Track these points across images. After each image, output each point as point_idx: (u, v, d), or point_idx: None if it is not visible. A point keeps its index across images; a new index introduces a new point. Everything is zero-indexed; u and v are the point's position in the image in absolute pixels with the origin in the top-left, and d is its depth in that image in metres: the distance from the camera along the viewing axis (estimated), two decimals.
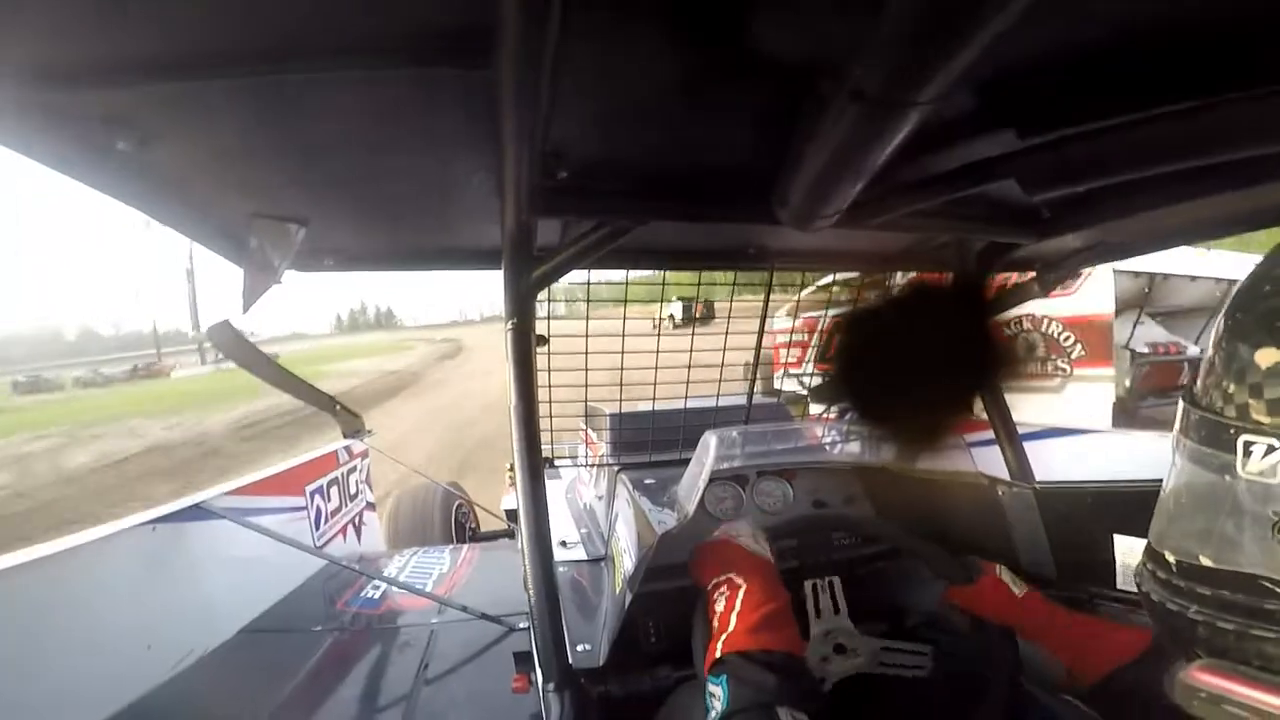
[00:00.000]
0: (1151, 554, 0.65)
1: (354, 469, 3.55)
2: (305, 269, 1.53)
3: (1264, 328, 0.54)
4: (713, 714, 1.00)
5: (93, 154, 0.86)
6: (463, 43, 0.66)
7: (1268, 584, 0.53)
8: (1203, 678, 0.57)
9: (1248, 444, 0.54)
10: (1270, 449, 0.52)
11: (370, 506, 3.76)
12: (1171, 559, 0.61)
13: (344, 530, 3.38)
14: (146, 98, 0.77)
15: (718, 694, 1.01)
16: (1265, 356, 0.53)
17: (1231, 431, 0.55)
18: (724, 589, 1.17)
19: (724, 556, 1.26)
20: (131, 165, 0.92)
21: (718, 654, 1.06)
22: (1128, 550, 1.37)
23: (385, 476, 5.01)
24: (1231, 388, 0.56)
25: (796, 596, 1.33)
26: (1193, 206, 1.06)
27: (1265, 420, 0.53)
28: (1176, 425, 0.62)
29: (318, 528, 3.10)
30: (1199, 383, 0.61)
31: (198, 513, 2.31)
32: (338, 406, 3.46)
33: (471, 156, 0.99)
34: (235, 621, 2.40)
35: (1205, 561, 0.57)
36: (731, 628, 1.09)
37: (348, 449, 3.51)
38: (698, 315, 2.30)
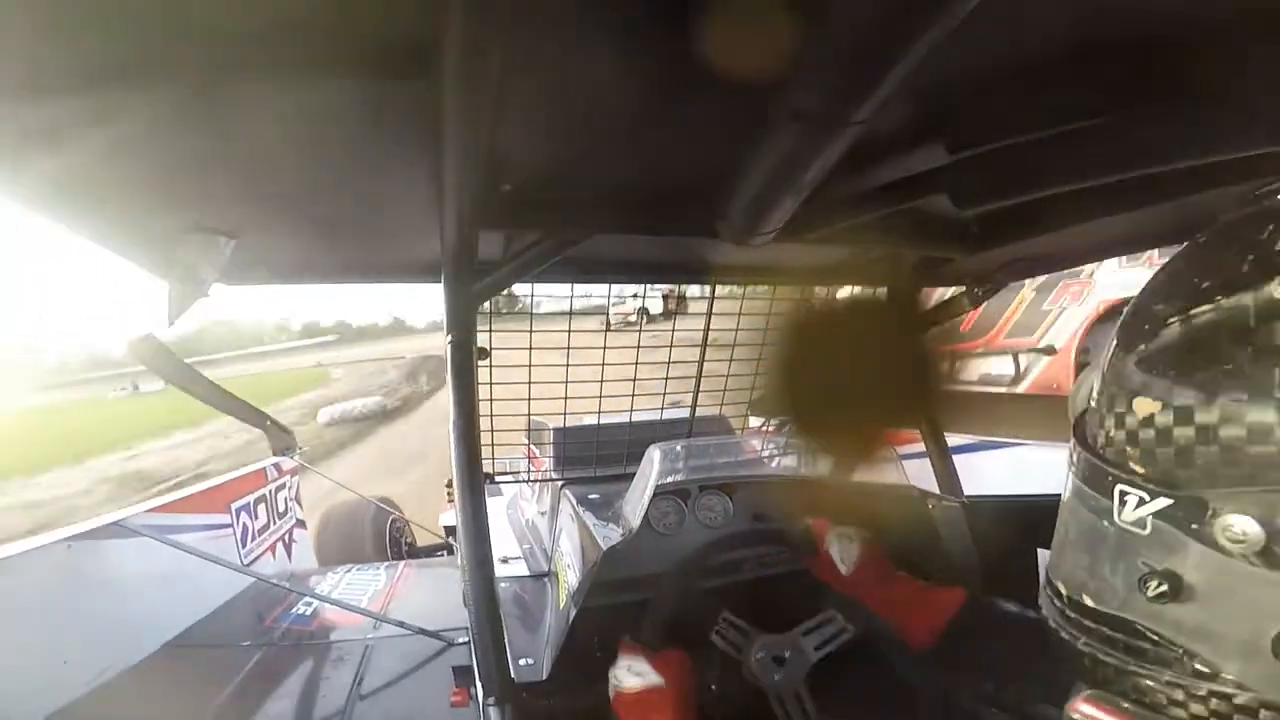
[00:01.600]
0: (1048, 580, 0.65)
1: (283, 486, 3.45)
2: (235, 281, 1.48)
3: (1141, 375, 0.52)
4: None
5: (8, 168, 0.82)
6: (405, 54, 0.65)
7: (1140, 628, 0.53)
8: (1084, 708, 0.57)
9: (1123, 493, 0.52)
10: (1142, 501, 0.51)
11: (300, 524, 3.64)
12: (1063, 590, 0.61)
13: (273, 548, 3.27)
14: (70, 108, 0.73)
15: None
16: (1142, 406, 0.52)
17: (1109, 478, 0.54)
18: None
19: (617, 706, 1.30)
20: (51, 180, 0.87)
21: None
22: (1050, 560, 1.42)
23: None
24: (1111, 431, 0.55)
25: (706, 642, 1.37)
26: (1118, 220, 1.11)
27: (1139, 470, 0.52)
28: (1067, 457, 0.61)
29: (244, 545, 3.00)
30: (1086, 419, 0.60)
31: (116, 530, 2.22)
32: (268, 422, 3.36)
33: (412, 168, 0.97)
34: (157, 637, 2.31)
35: (1087, 600, 0.57)
36: None
37: (277, 466, 3.40)
38: (674, 310, 2.30)
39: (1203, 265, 0.53)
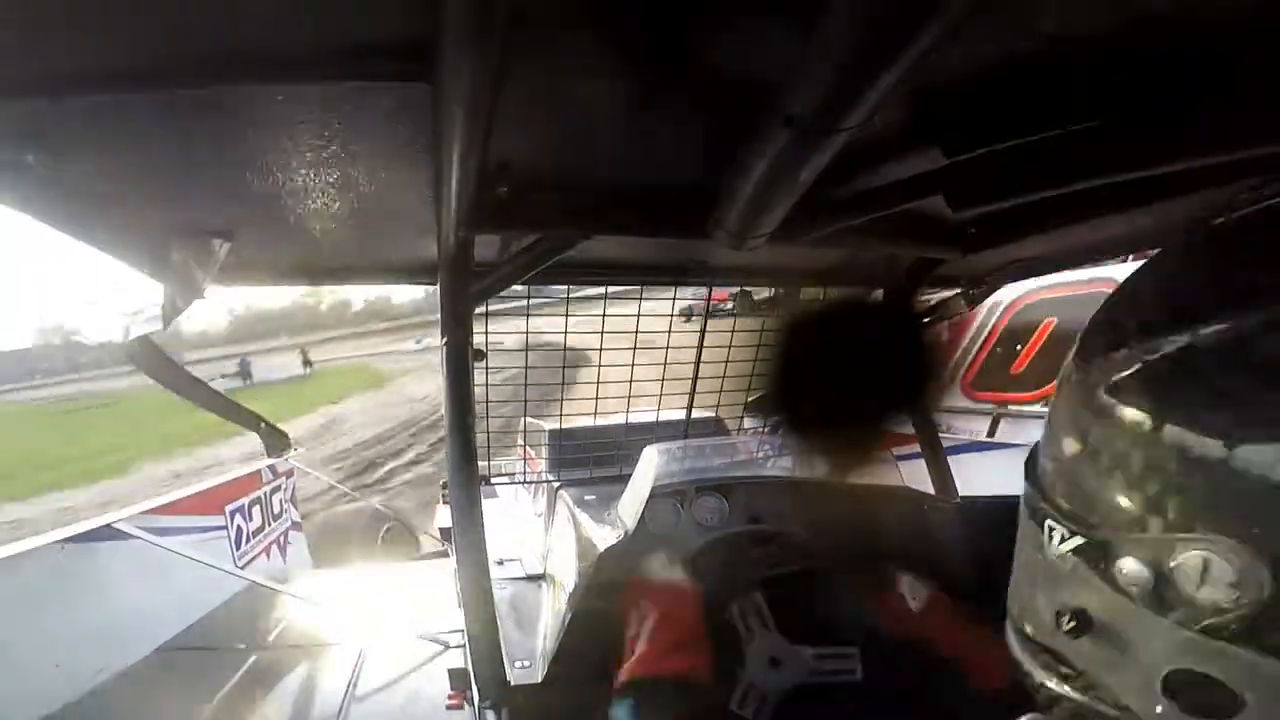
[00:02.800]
0: (1009, 608, 0.65)
1: (279, 488, 3.44)
2: (231, 283, 1.47)
3: (1074, 411, 0.52)
4: None
5: (1, 168, 0.81)
6: (402, 56, 0.65)
7: (1066, 659, 0.54)
8: None
9: (1050, 528, 0.53)
10: (1064, 538, 0.52)
11: (296, 526, 3.64)
12: (1016, 621, 0.61)
13: (268, 550, 3.27)
14: (62, 111, 0.72)
15: (622, 717, 1.04)
16: (1069, 445, 0.52)
17: (1040, 512, 0.55)
18: (635, 616, 1.21)
19: (636, 590, 1.29)
20: (43, 181, 0.87)
21: (622, 678, 1.09)
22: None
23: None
24: (1046, 465, 0.56)
25: (723, 618, 1.35)
26: (1115, 222, 1.12)
27: (1064, 506, 0.52)
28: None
29: (239, 547, 3.00)
30: (1039, 448, 0.60)
31: (109, 533, 2.22)
32: (263, 425, 3.35)
33: (408, 170, 0.97)
34: (151, 640, 2.30)
35: (1028, 629, 0.58)
36: (637, 654, 1.13)
37: (272, 468, 3.40)
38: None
39: (1118, 304, 0.54)
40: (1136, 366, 0.47)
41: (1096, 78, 0.77)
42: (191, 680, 2.15)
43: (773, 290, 1.90)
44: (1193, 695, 0.45)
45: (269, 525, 3.33)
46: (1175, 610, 0.45)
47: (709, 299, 1.97)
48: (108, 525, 2.23)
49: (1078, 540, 0.50)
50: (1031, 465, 0.59)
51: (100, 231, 1.16)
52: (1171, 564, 0.44)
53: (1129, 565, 0.46)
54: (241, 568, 2.94)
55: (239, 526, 3.04)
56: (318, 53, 0.66)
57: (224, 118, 0.78)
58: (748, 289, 2.27)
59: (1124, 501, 0.47)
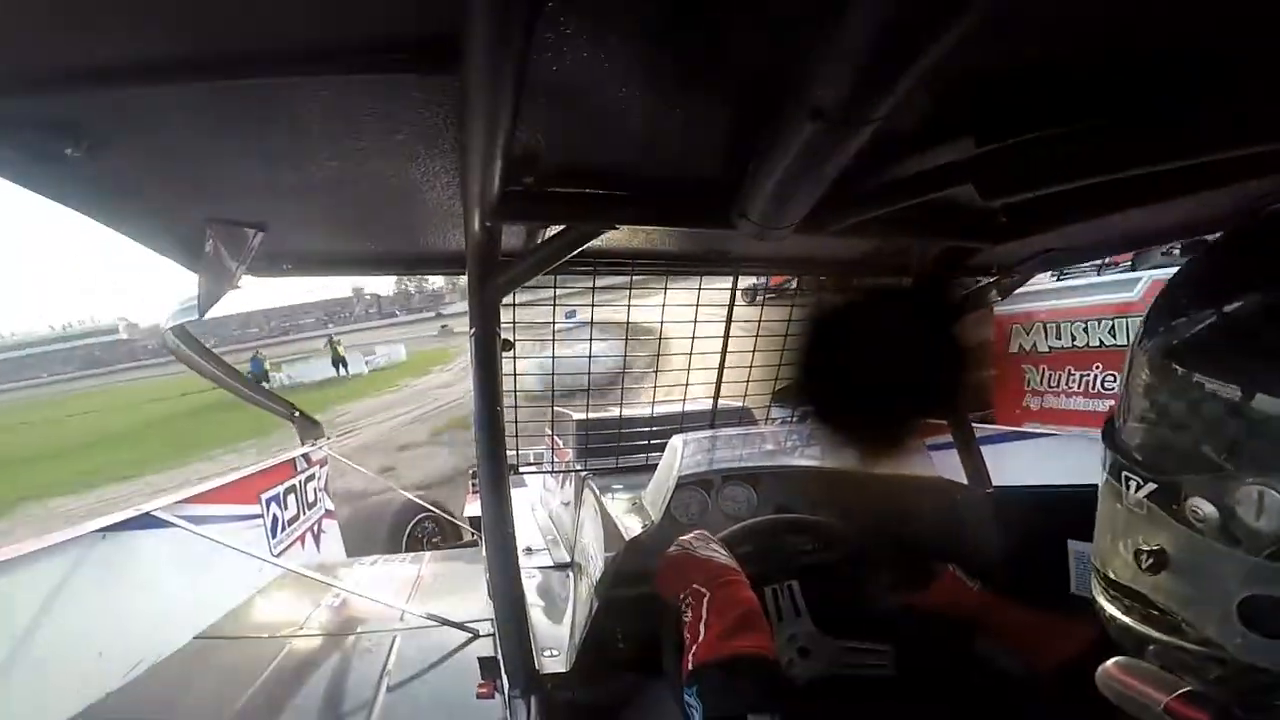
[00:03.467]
0: (1092, 563, 0.71)
1: (312, 476, 3.49)
2: (262, 273, 1.50)
3: (1145, 370, 0.58)
4: None
5: (40, 161, 0.83)
6: (428, 48, 0.66)
7: (1147, 598, 0.60)
8: (1110, 672, 0.63)
9: (1127, 478, 0.60)
10: (1139, 485, 0.58)
11: (330, 514, 3.69)
12: (1099, 567, 0.67)
13: (302, 538, 3.32)
14: (98, 103, 0.74)
15: (694, 705, 1.01)
16: (1139, 406, 0.59)
17: (1119, 465, 0.61)
18: (689, 600, 1.17)
19: (685, 568, 1.26)
20: (81, 172, 0.89)
21: (690, 666, 1.06)
22: (1080, 555, 1.40)
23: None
24: (1124, 424, 0.62)
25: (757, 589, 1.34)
26: (1150, 211, 1.09)
27: (1138, 459, 0.59)
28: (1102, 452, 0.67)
29: (274, 536, 3.05)
30: (1117, 411, 0.65)
31: (148, 520, 2.26)
32: (296, 413, 3.40)
33: (436, 161, 0.98)
34: (188, 629, 2.35)
35: (1112, 574, 0.64)
36: (701, 638, 1.09)
37: (306, 456, 3.45)
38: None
39: (1189, 275, 0.61)
40: (1193, 333, 0.55)
41: (1132, 66, 0.75)
42: (228, 669, 2.20)
43: (797, 279, 1.88)
44: (1268, 621, 0.52)
45: (303, 513, 3.38)
46: (1240, 541, 0.51)
47: (734, 287, 1.95)
48: (147, 513, 2.28)
49: (1151, 486, 0.57)
50: (1110, 429, 0.65)
51: (137, 222, 1.19)
52: (1233, 500, 0.51)
53: (1197, 503, 0.53)
54: (277, 556, 3.00)
55: (274, 515, 3.09)
56: (346, 45, 0.66)
57: (256, 110, 0.79)
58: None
59: (1188, 448, 0.54)
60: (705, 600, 1.14)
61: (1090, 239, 1.46)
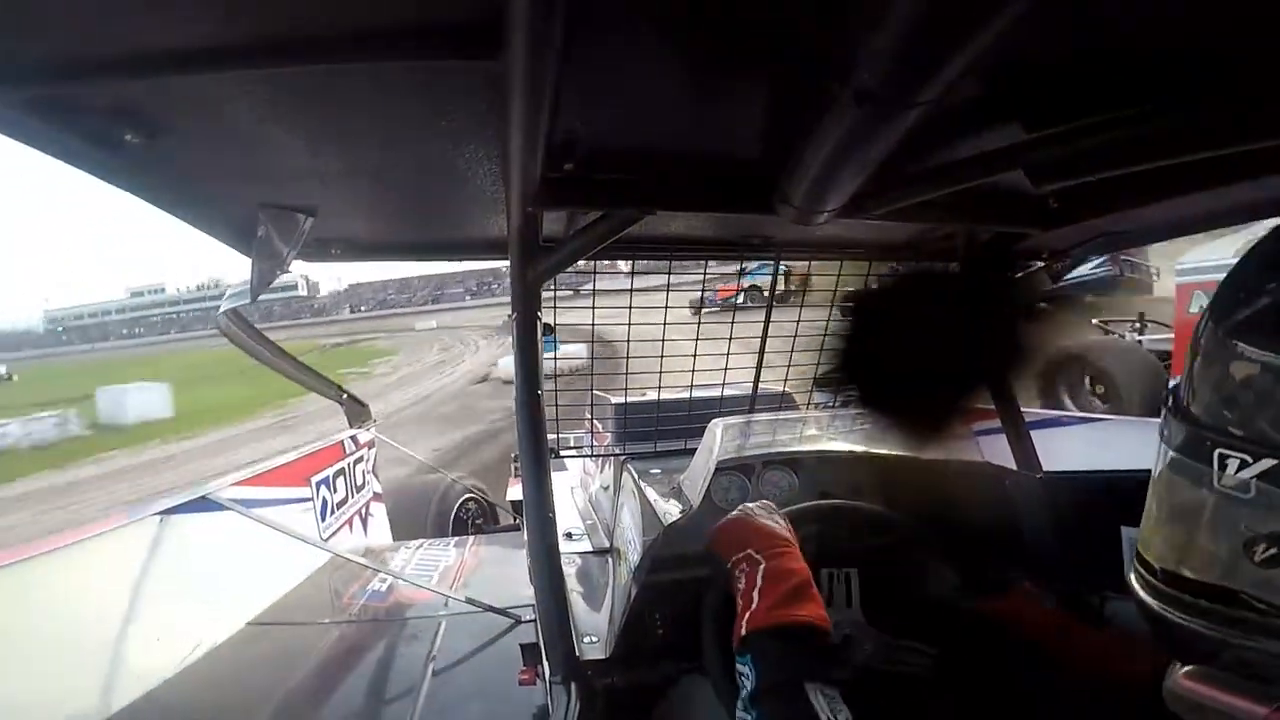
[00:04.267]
0: (1139, 557, 0.64)
1: (360, 459, 3.55)
2: (312, 258, 1.54)
3: (1239, 337, 0.52)
4: (743, 693, 0.99)
5: (101, 147, 0.86)
6: (470, 35, 0.66)
7: (1245, 597, 0.52)
8: (1188, 685, 0.57)
9: (1223, 457, 0.52)
10: (1243, 463, 0.51)
11: (377, 497, 3.76)
12: (1156, 565, 0.60)
13: (350, 522, 3.39)
14: (156, 91, 0.77)
15: (746, 673, 1.00)
16: (1240, 369, 0.52)
17: (1208, 443, 0.54)
18: (744, 566, 1.15)
19: (741, 533, 1.23)
20: (140, 158, 0.92)
21: (743, 632, 1.04)
22: (1134, 541, 1.36)
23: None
24: (1208, 397, 0.55)
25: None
26: (1203, 196, 1.05)
27: (1239, 433, 0.52)
28: (1159, 430, 0.61)
29: (324, 519, 3.11)
30: (1181, 388, 0.59)
31: (204, 504, 2.32)
32: (345, 395, 3.46)
33: (478, 147, 0.99)
34: (242, 614, 2.41)
35: (1186, 572, 0.57)
36: (755, 605, 1.07)
37: (354, 439, 3.51)
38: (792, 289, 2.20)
39: (1258, 256, 0.55)
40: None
41: (1181, 53, 0.73)
42: (279, 655, 2.26)
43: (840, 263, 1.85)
44: None
45: (352, 497, 3.44)
46: None
47: (775, 271, 1.93)
48: (203, 496, 2.34)
49: (1267, 463, 0.49)
50: (1179, 406, 0.58)
51: (191, 206, 1.22)
52: None
53: None
54: (326, 539, 3.06)
55: (324, 498, 3.15)
56: (391, 31, 0.67)
57: (304, 96, 0.81)
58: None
59: None
60: (760, 568, 1.12)
61: (1146, 223, 1.42)
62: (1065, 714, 1.24)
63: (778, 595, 1.07)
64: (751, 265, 1.90)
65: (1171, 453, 0.58)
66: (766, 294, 1.98)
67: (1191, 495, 0.55)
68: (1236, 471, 0.51)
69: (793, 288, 2.11)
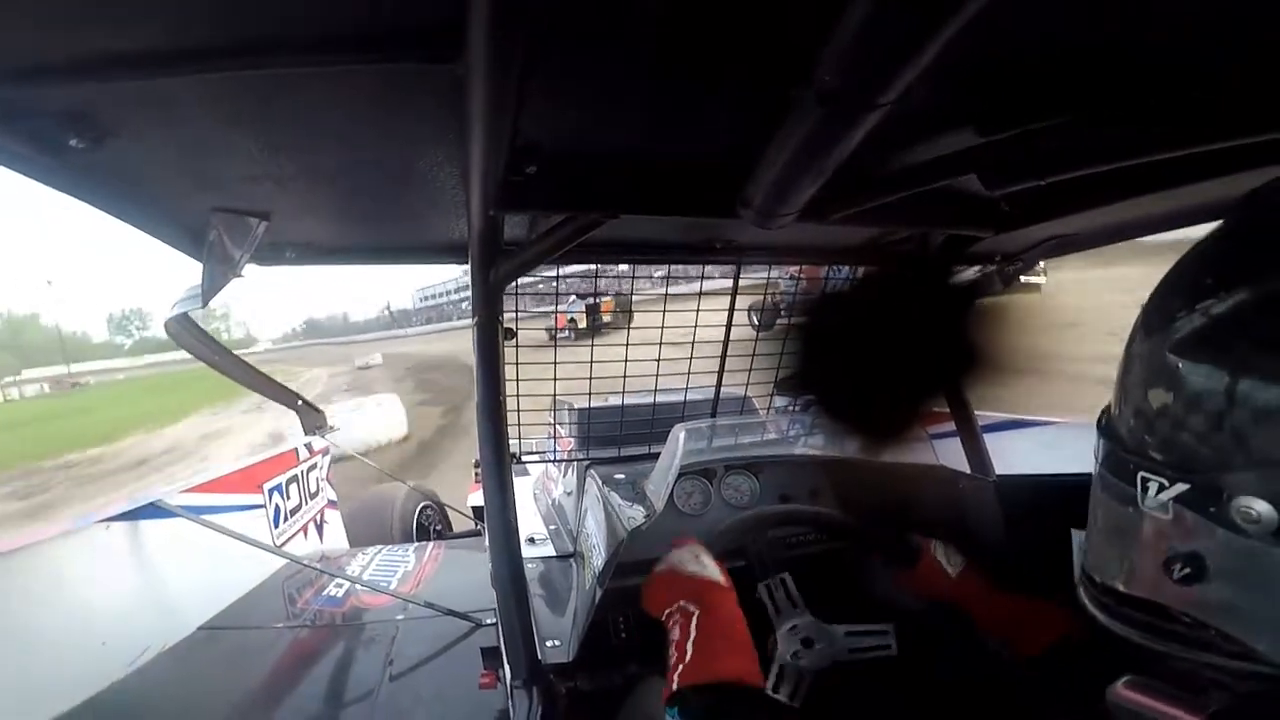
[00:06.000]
0: (1083, 570, 0.67)
1: (314, 466, 3.49)
2: (266, 262, 1.51)
3: (1159, 363, 0.53)
4: None
5: (44, 152, 0.83)
6: (430, 37, 0.65)
7: (1173, 612, 0.54)
8: (1126, 694, 0.58)
9: (1144, 479, 0.54)
10: (1162, 486, 0.52)
11: (332, 504, 3.70)
12: (1097, 578, 0.63)
13: (305, 528, 3.33)
14: (103, 94, 0.74)
15: None
16: (1157, 396, 0.53)
17: (1131, 465, 0.55)
18: (677, 617, 1.15)
19: (671, 586, 1.23)
20: (85, 162, 0.89)
21: (674, 686, 1.04)
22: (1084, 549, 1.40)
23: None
24: (1131, 420, 0.57)
25: (752, 597, 1.34)
26: (1152, 200, 1.09)
27: (1158, 457, 0.53)
28: (1094, 448, 0.63)
29: (276, 526, 3.05)
30: (1112, 405, 0.61)
31: (152, 511, 2.27)
32: (300, 402, 3.40)
33: (438, 151, 0.98)
34: (193, 619, 2.36)
35: (1120, 586, 0.59)
36: (687, 659, 1.07)
37: (308, 446, 3.45)
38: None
39: (1210, 258, 0.56)
40: (1234, 318, 0.49)
41: (1132, 59, 0.75)
42: (232, 659, 2.21)
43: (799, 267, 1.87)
44: None
45: (306, 503, 3.39)
46: None
47: (737, 275, 1.95)
48: (152, 503, 2.29)
49: (1181, 487, 0.51)
50: (1108, 427, 0.60)
51: (141, 212, 1.19)
52: None
53: (1249, 504, 0.47)
54: (280, 546, 3.00)
55: (276, 504, 3.09)
56: (348, 34, 0.66)
57: (258, 99, 0.79)
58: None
59: (1229, 443, 0.48)
60: (692, 619, 1.12)
61: (1094, 227, 1.46)
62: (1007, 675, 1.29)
63: (707, 650, 1.08)
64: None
65: (1102, 471, 0.60)
66: (729, 297, 1.98)
67: (1120, 513, 0.57)
68: (1156, 494, 0.53)
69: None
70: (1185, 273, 0.56)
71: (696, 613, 1.13)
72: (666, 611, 1.18)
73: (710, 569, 1.24)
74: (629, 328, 1.92)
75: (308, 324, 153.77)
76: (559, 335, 2.13)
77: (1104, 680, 0.61)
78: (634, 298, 1.87)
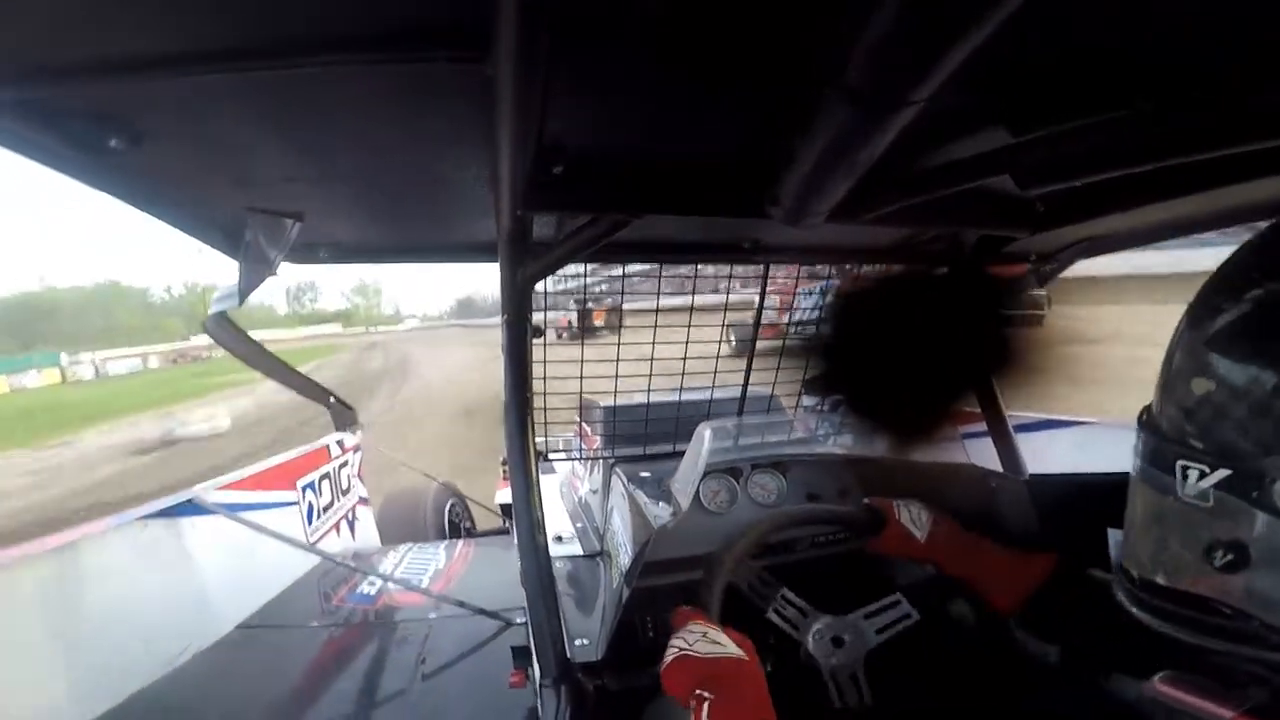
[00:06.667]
0: (1119, 564, 0.66)
1: (346, 463, 3.53)
2: (300, 261, 1.54)
3: (1201, 354, 0.55)
4: None
5: (85, 151, 0.86)
6: (459, 37, 0.66)
7: (1215, 603, 0.54)
8: (1164, 689, 0.59)
9: (1184, 468, 0.54)
10: (1202, 474, 0.53)
11: (364, 501, 3.73)
12: (1134, 572, 0.62)
13: (337, 525, 3.36)
14: (141, 95, 0.77)
15: None
16: (1199, 385, 0.54)
17: (1170, 455, 0.56)
18: (693, 703, 1.09)
19: (685, 675, 1.15)
20: (124, 162, 0.92)
21: None
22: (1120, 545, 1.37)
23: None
24: (1171, 410, 0.57)
25: (764, 624, 1.37)
26: (1190, 200, 1.07)
27: (1198, 445, 0.54)
28: (1134, 442, 0.63)
29: (310, 523, 3.08)
30: (1154, 400, 0.62)
31: (190, 508, 2.31)
32: (332, 399, 3.44)
33: (467, 151, 0.99)
34: (231, 618, 2.40)
35: (1160, 579, 0.59)
36: None
37: (340, 443, 3.49)
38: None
39: (1257, 253, 0.57)
40: (1247, 312, 0.51)
41: (1168, 57, 0.73)
42: (269, 659, 2.24)
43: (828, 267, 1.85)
44: None
45: (338, 500, 3.42)
46: None
47: (765, 275, 1.93)
48: (189, 500, 2.33)
49: (1222, 473, 0.52)
50: (1149, 421, 0.60)
51: (178, 211, 1.22)
52: None
53: None
54: (313, 543, 3.04)
55: (310, 502, 3.13)
56: (377, 33, 0.67)
57: (289, 99, 0.81)
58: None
59: (1274, 430, 0.49)
60: (705, 706, 1.07)
61: (1134, 227, 1.43)
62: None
63: None
64: None
65: (1141, 462, 0.60)
66: (758, 296, 1.97)
67: (1159, 504, 0.57)
68: (1196, 482, 0.53)
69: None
70: (1231, 268, 0.57)
71: (709, 699, 1.08)
72: (686, 699, 1.13)
73: (725, 645, 1.18)
74: (655, 326, 1.92)
75: (459, 303, 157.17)
76: (562, 333, 2.13)
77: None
78: (659, 300, 1.86)
